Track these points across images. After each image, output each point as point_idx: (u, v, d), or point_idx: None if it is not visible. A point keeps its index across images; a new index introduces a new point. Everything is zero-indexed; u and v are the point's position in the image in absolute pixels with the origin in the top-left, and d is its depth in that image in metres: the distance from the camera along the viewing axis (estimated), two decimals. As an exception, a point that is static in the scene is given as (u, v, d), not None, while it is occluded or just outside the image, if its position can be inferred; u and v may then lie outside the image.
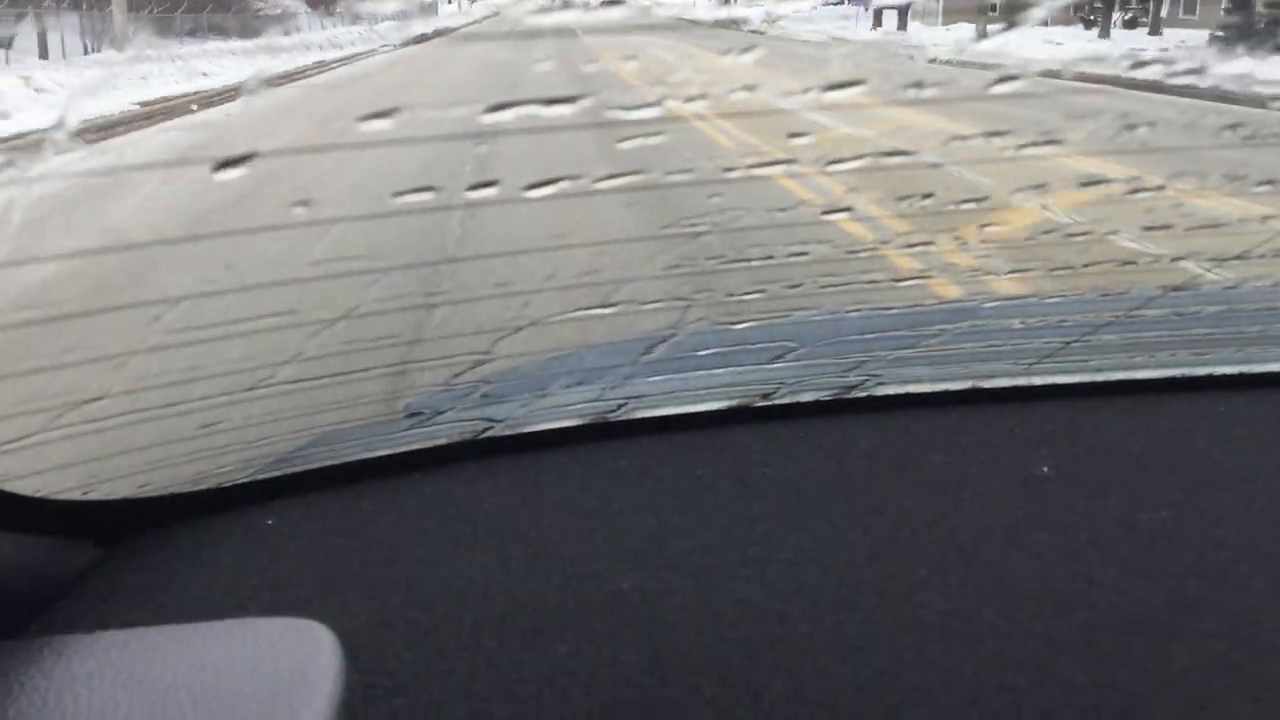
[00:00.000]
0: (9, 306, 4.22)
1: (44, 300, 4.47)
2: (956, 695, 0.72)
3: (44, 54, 22.94)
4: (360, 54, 20.23)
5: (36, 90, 13.52)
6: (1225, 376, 1.19)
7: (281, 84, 13.01)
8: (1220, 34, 23.29)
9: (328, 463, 1.04)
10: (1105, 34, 27.84)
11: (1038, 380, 1.19)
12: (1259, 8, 23.48)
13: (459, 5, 33.94)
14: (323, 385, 1.26)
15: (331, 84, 15.52)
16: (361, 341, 1.36)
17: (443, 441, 1.07)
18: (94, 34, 23.96)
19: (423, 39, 23.49)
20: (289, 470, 1.03)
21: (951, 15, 33.43)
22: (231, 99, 12.82)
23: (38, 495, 0.85)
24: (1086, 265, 1.57)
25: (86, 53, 23.16)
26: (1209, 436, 1.09)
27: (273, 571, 0.89)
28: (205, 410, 1.19)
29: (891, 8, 30.74)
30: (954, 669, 0.74)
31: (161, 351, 1.22)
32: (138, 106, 12.63)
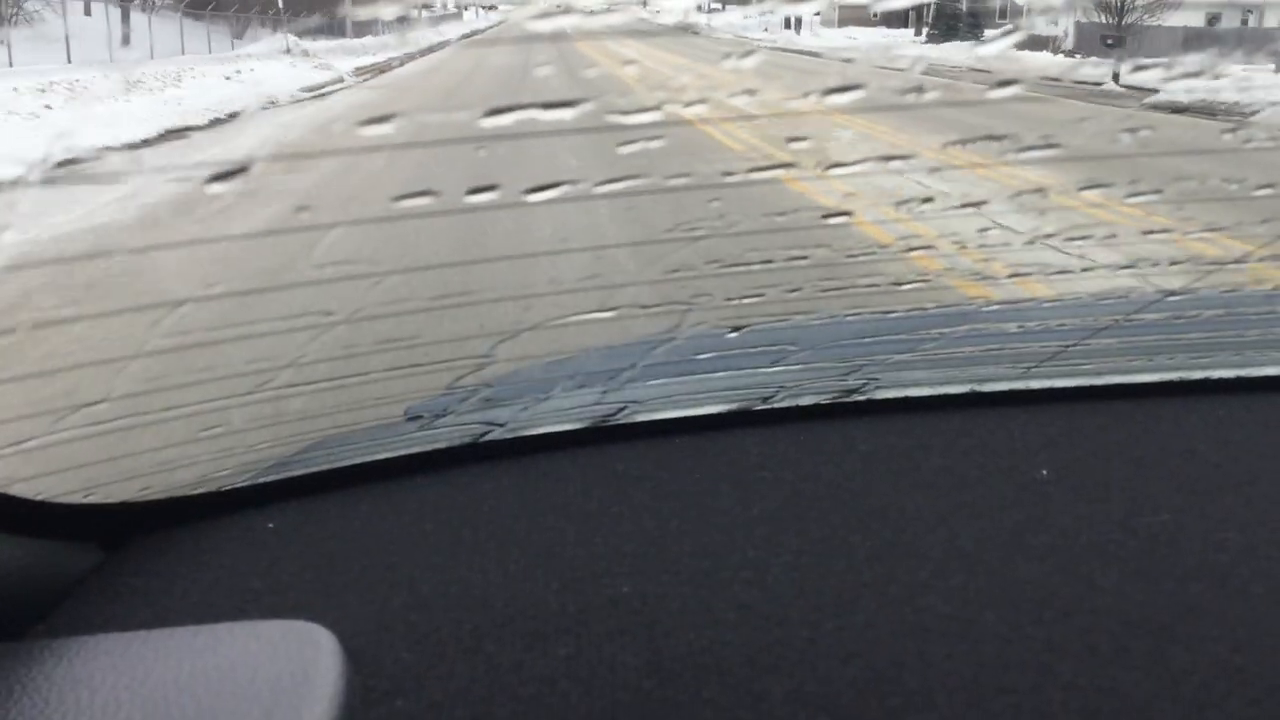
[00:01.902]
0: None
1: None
2: (957, 698, 0.72)
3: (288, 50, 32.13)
4: (441, 44, 31.56)
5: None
6: (1224, 380, 1.19)
7: (428, 54, 25.13)
8: (933, 32, 38.09)
9: (328, 466, 1.05)
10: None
11: (1036, 384, 1.20)
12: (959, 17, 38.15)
13: (475, 13, 50.50)
14: (324, 389, 1.26)
15: (449, 56, 25.66)
16: (362, 345, 1.36)
17: (443, 445, 1.08)
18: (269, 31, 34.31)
19: (470, 36, 39.66)
20: (290, 474, 1.04)
21: (845, 21, 47.35)
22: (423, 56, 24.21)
23: (40, 499, 0.85)
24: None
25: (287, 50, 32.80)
26: (1208, 440, 1.09)
27: (274, 574, 0.89)
28: (206, 414, 1.19)
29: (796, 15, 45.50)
30: (954, 672, 0.75)
31: (163, 355, 1.22)
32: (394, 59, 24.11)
